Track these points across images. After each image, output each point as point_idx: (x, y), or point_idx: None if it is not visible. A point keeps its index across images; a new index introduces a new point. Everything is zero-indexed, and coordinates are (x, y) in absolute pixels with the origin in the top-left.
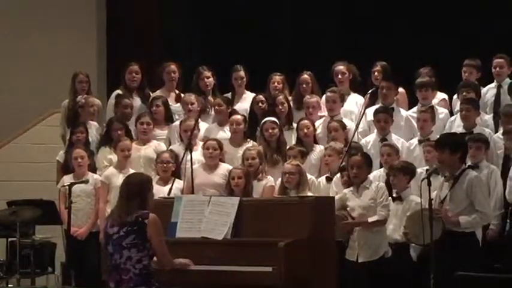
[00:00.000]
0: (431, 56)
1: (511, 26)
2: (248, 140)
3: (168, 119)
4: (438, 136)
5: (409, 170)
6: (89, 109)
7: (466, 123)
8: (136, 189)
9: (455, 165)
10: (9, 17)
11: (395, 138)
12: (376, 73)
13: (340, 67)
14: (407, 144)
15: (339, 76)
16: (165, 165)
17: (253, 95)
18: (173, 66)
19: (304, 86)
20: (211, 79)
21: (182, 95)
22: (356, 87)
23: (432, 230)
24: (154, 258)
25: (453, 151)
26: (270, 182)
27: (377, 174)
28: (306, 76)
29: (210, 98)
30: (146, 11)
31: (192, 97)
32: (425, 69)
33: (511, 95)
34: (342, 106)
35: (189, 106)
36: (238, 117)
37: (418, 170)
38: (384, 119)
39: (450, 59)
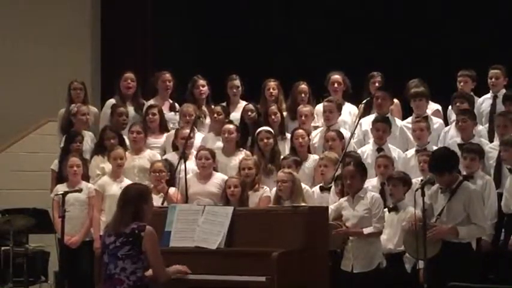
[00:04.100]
0: (422, 67)
1: (501, 34)
2: (241, 149)
3: (163, 127)
4: (433, 149)
5: (407, 181)
6: (81, 118)
7: (463, 134)
8: (132, 199)
9: (453, 179)
10: (4, 27)
11: (392, 148)
12: (376, 83)
13: (337, 76)
14: (403, 154)
15: (335, 85)
16: (158, 174)
17: None
18: (168, 75)
19: (302, 95)
20: (206, 88)
21: (176, 104)
22: (349, 97)
23: (425, 240)
24: (150, 272)
25: (451, 172)
26: (266, 193)
27: (371, 183)
28: (303, 86)
29: (204, 107)
30: (140, 21)
31: (190, 108)
32: (414, 81)
33: (505, 103)
34: (340, 116)
35: (187, 118)
36: (231, 126)
37: (413, 181)
38: (383, 129)
39: (441, 70)
